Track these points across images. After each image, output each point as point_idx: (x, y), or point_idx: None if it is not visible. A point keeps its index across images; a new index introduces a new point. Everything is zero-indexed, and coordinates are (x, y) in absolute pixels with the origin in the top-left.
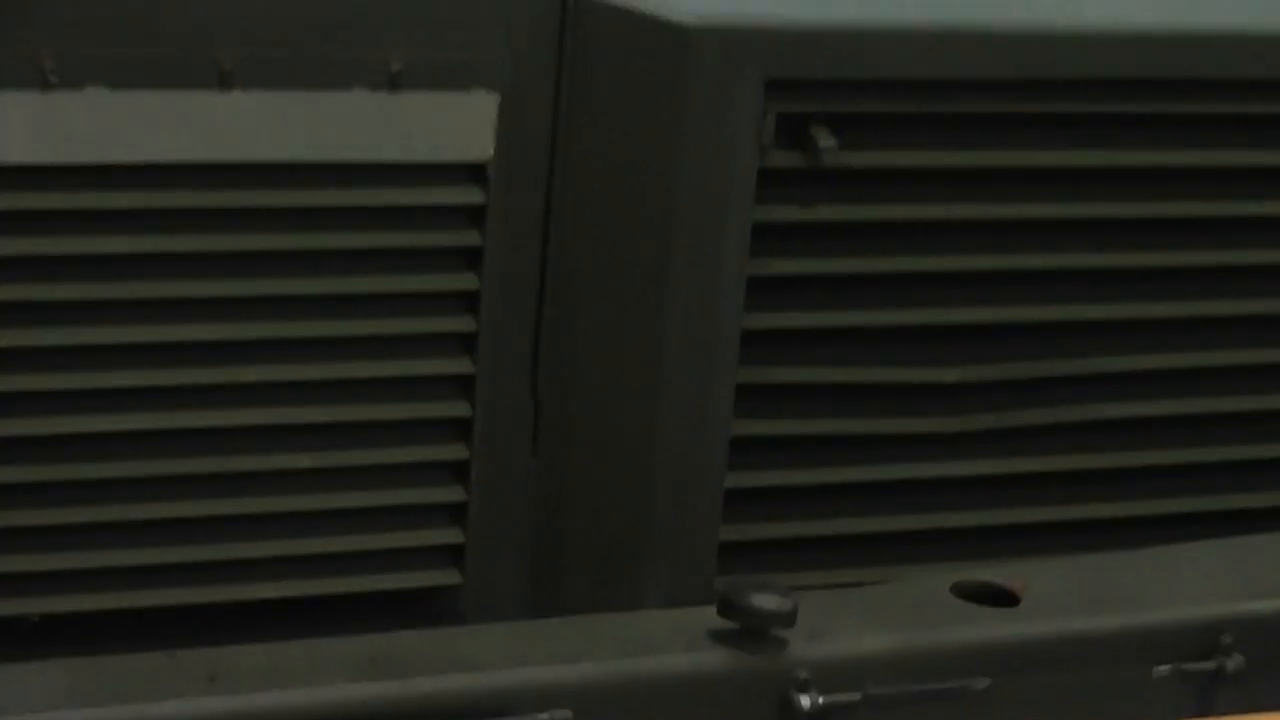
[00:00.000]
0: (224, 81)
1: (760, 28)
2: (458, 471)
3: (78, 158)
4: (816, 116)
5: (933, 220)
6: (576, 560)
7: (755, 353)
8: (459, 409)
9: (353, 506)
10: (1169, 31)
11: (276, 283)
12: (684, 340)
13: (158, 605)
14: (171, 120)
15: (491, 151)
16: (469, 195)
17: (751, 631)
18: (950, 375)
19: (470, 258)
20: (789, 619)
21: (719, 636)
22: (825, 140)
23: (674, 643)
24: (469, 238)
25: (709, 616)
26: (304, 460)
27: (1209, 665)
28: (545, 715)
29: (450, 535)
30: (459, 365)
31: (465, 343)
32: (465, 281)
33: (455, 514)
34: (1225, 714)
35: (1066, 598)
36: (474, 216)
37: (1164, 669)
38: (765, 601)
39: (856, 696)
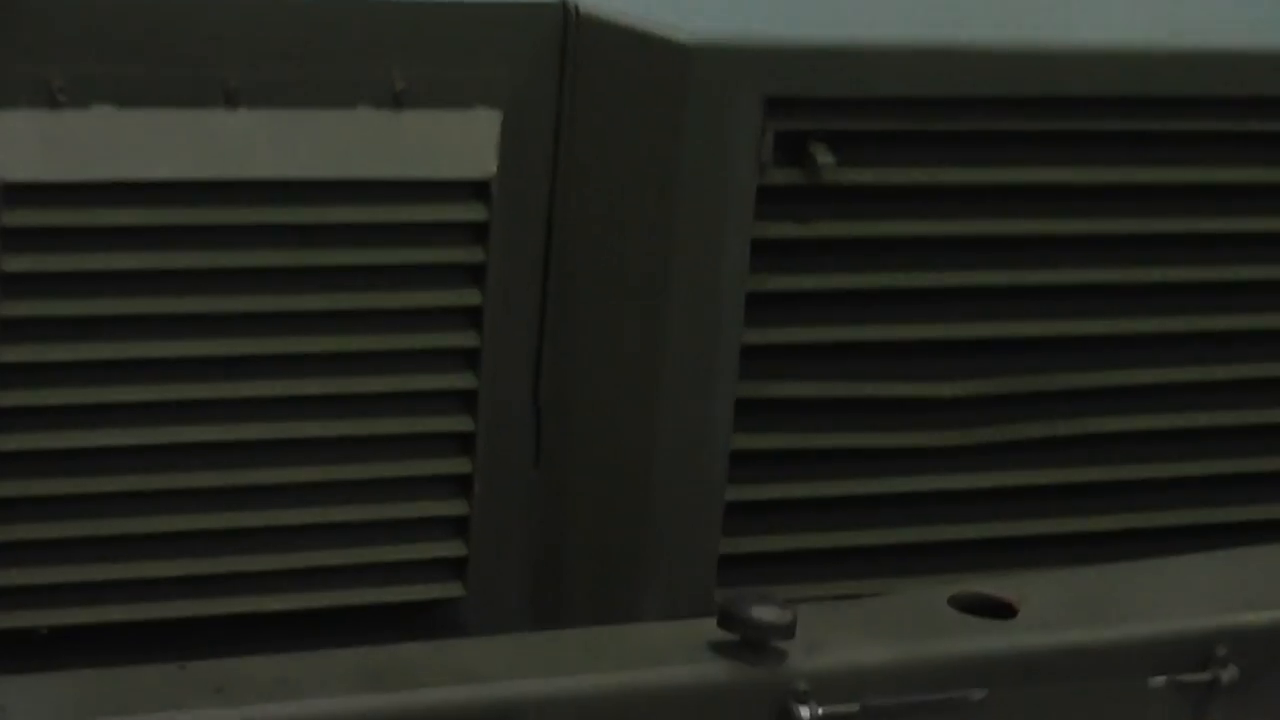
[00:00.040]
0: (230, 100)
1: (759, 47)
2: (460, 485)
3: (86, 175)
4: (815, 134)
5: (930, 236)
6: (578, 572)
7: (755, 367)
8: (462, 423)
9: (357, 520)
10: (1162, 50)
11: (282, 299)
12: (684, 355)
13: (166, 618)
14: (178, 138)
15: (494, 168)
16: (472, 212)
17: (751, 643)
18: (948, 390)
19: (473, 273)
20: (788, 631)
21: (719, 648)
22: (824, 157)
23: (674, 654)
24: (472, 254)
25: (709, 628)
26: (309, 474)
27: (1204, 676)
28: None
29: (453, 548)
30: (462, 380)
31: (468, 357)
32: (468, 297)
33: (458, 527)
34: None
35: (1063, 610)
36: (477, 232)
37: (1159, 680)
38: (765, 614)
39: (855, 707)
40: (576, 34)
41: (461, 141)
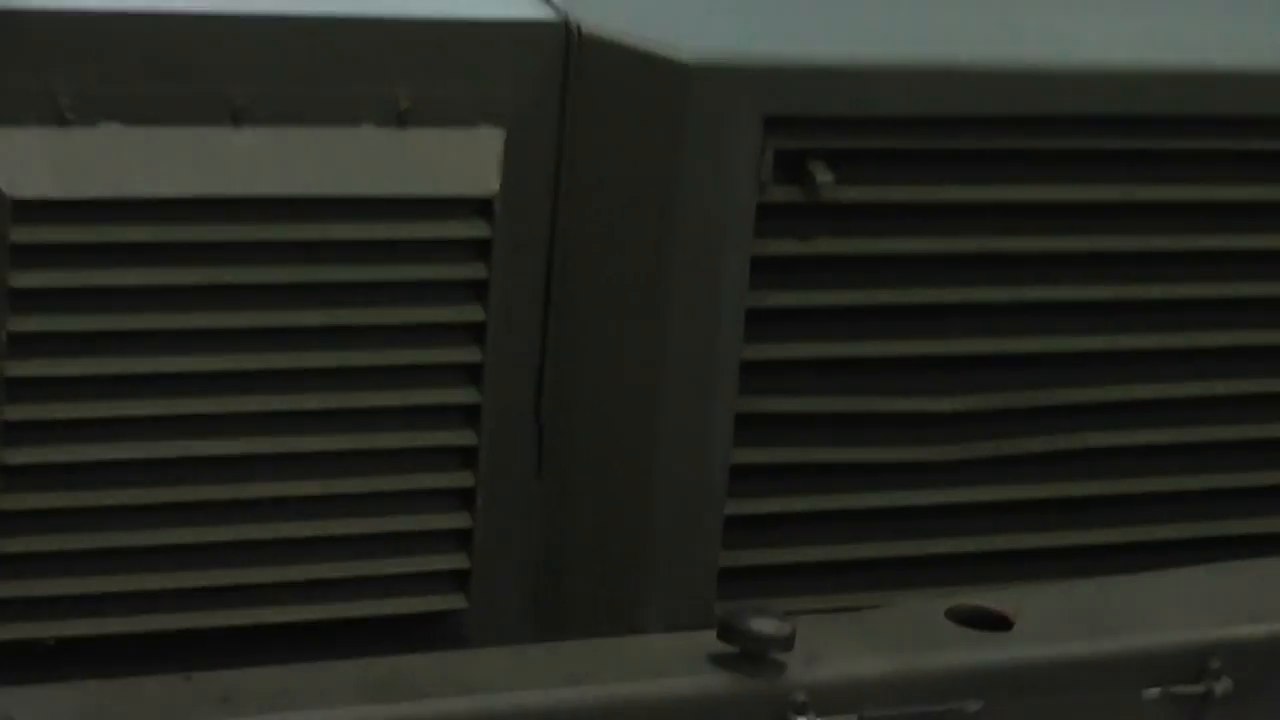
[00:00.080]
0: (236, 118)
1: (759, 66)
2: (463, 499)
3: (93, 192)
4: (814, 152)
5: (928, 253)
6: (579, 585)
7: (754, 382)
8: (465, 437)
9: (361, 533)
10: (1158, 69)
11: (287, 314)
12: (684, 370)
13: (172, 629)
14: (185, 155)
15: (497, 186)
16: (475, 229)
17: (751, 655)
18: (945, 405)
19: (476, 290)
20: (787, 643)
21: (719, 660)
22: (823, 175)
23: (675, 666)
24: (475, 270)
25: (709, 640)
26: (314, 488)
27: (1198, 688)
28: None
29: (456, 561)
30: (465, 395)
31: (471, 373)
32: (471, 313)
33: (461, 540)
34: None
35: (1058, 622)
36: (480, 249)
37: (1154, 692)
38: (764, 626)
39: (853, 718)
40: (578, 53)
41: (465, 159)
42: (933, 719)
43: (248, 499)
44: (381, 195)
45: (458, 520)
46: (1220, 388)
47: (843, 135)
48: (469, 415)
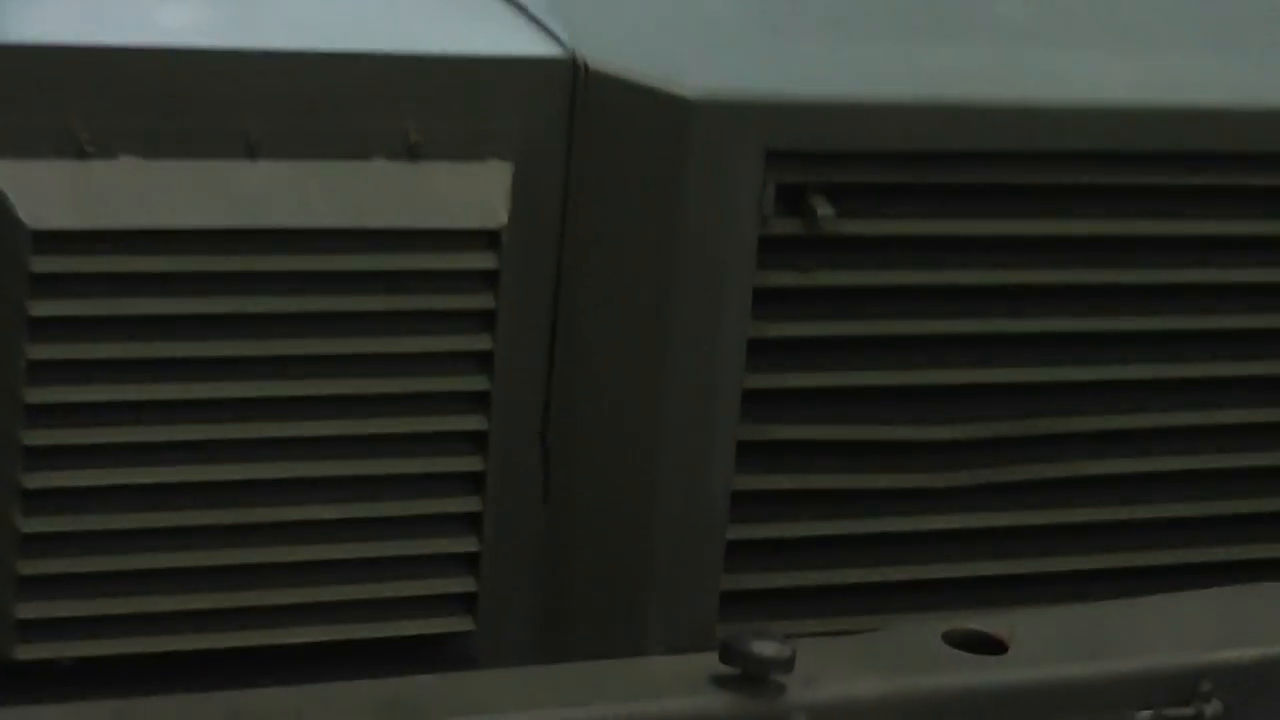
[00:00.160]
0: (251, 151)
1: (760, 102)
2: (471, 523)
3: (111, 223)
4: (815, 186)
5: (926, 285)
6: (584, 608)
7: (755, 411)
8: (473, 463)
9: (371, 556)
10: (1150, 107)
11: (301, 343)
12: (687, 399)
13: (187, 650)
14: (201, 187)
15: (505, 218)
16: (483, 260)
17: (751, 676)
18: (942, 433)
19: (484, 319)
20: (787, 665)
21: (720, 681)
22: (823, 209)
23: (678, 687)
24: (483, 300)
25: (711, 662)
26: (325, 512)
27: (1188, 711)
28: None
29: (464, 584)
30: (473, 422)
31: (479, 400)
32: (479, 342)
33: (468, 563)
34: None
35: (1052, 646)
36: (488, 280)
37: (1146, 714)
38: (764, 648)
39: None
40: (585, 89)
41: (473, 192)
42: None
43: (262, 523)
44: (392, 227)
45: (466, 544)
46: (1213, 417)
47: (843, 170)
48: (477, 442)
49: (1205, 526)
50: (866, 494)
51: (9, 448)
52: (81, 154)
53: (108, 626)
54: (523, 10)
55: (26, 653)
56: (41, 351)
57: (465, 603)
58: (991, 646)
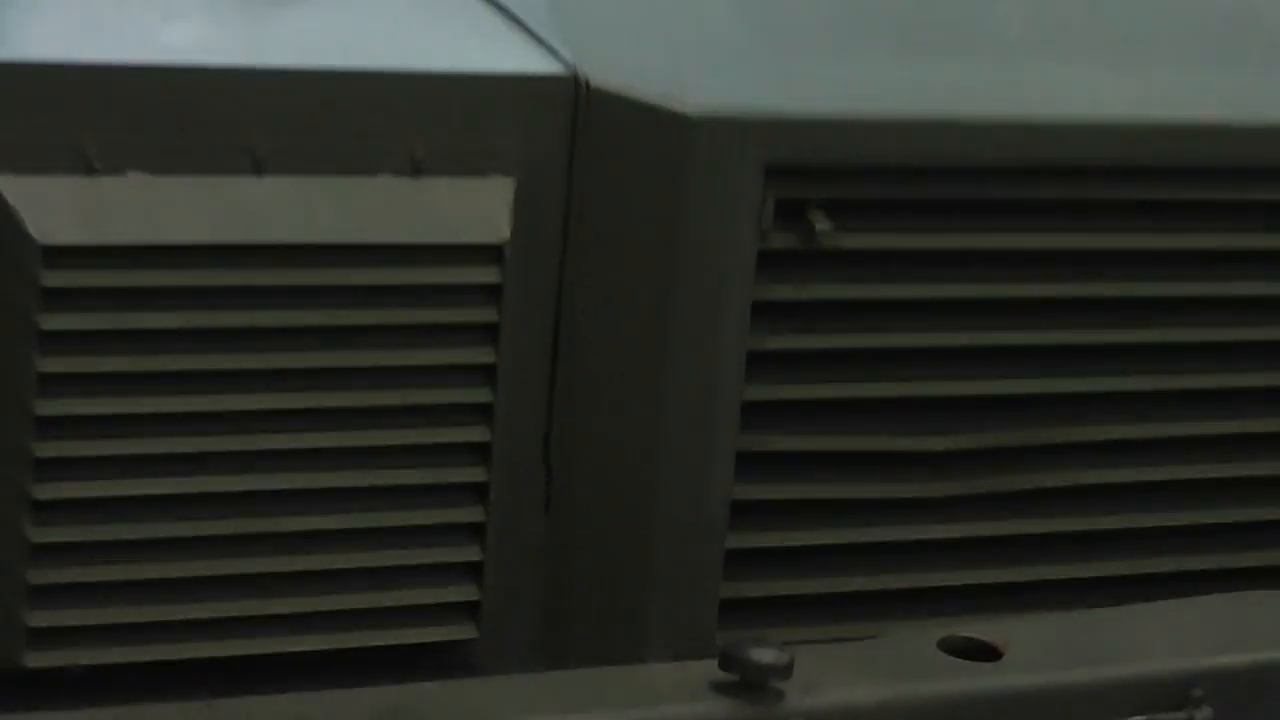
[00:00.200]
0: (257, 167)
1: (760, 118)
2: (474, 533)
3: (120, 238)
4: (813, 201)
5: (922, 299)
6: (585, 616)
7: (754, 422)
8: (476, 474)
9: (377, 565)
10: (1147, 122)
11: (307, 355)
12: (687, 410)
13: (194, 657)
14: (208, 203)
15: (508, 233)
16: (486, 274)
17: (750, 683)
18: (938, 444)
19: (487, 332)
20: (786, 672)
21: (720, 688)
22: (821, 223)
23: (678, 693)
24: (486, 314)
25: (711, 669)
26: (331, 522)
27: (1181, 716)
28: None
29: (467, 592)
30: (476, 433)
31: (482, 412)
32: (482, 355)
33: (472, 572)
34: None
35: (1046, 652)
36: (491, 294)
37: (1138, 719)
38: (763, 655)
39: None
40: (586, 106)
41: (477, 208)
42: None
43: (268, 533)
44: (397, 242)
45: (469, 554)
46: (1206, 428)
47: (841, 185)
48: (480, 453)
49: (1197, 535)
50: (864, 503)
51: (19, 459)
52: (90, 170)
53: (116, 635)
54: (525, 28)
55: (36, 660)
56: (51, 364)
57: (468, 611)
58: (986, 653)
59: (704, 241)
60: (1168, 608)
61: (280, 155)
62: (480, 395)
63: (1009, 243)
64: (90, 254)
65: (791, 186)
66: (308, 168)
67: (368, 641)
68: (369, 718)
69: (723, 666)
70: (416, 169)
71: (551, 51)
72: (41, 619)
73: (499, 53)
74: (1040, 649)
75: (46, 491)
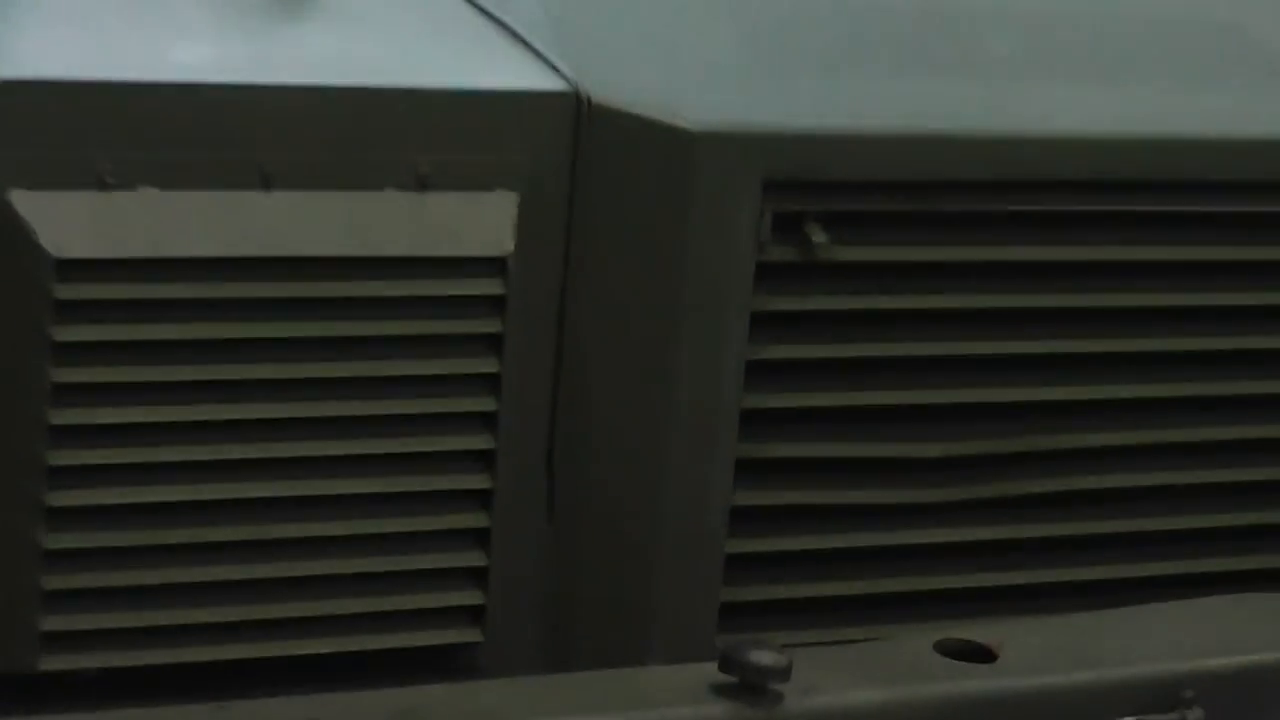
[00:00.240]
0: (266, 182)
1: (758, 133)
2: (479, 539)
3: (132, 252)
4: (810, 214)
5: (917, 309)
6: (587, 620)
7: (754, 430)
8: (481, 481)
9: (384, 570)
10: (1134, 137)
11: (315, 366)
12: (687, 418)
13: (205, 661)
14: (218, 217)
15: (512, 246)
16: (491, 286)
17: (750, 686)
18: (933, 450)
19: (492, 343)
20: (784, 674)
21: (720, 690)
22: (818, 236)
23: (679, 695)
24: (490, 325)
25: (711, 672)
26: (340, 528)
27: (1171, 716)
28: None
29: (472, 597)
30: (481, 441)
31: (487, 421)
32: (487, 365)
33: (477, 577)
34: None
35: (1040, 655)
36: (495, 306)
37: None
38: (762, 658)
39: None
40: (588, 122)
41: (481, 222)
42: None
43: (278, 539)
44: (403, 255)
45: (474, 559)
46: (1197, 434)
47: (838, 198)
48: (485, 460)
49: (1188, 539)
50: (861, 509)
51: (34, 467)
52: (103, 186)
53: (128, 639)
54: (528, 46)
55: (50, 664)
56: (65, 375)
57: (473, 615)
58: (982, 656)
59: (704, 253)
60: (1160, 611)
61: (288, 171)
62: (485, 404)
63: (1001, 254)
64: (103, 267)
65: (789, 200)
66: (315, 183)
67: (375, 645)
68: (379, 718)
69: (722, 669)
70: (422, 184)
71: (554, 69)
72: (55, 623)
73: (503, 70)
74: (1035, 651)
75: (60, 499)
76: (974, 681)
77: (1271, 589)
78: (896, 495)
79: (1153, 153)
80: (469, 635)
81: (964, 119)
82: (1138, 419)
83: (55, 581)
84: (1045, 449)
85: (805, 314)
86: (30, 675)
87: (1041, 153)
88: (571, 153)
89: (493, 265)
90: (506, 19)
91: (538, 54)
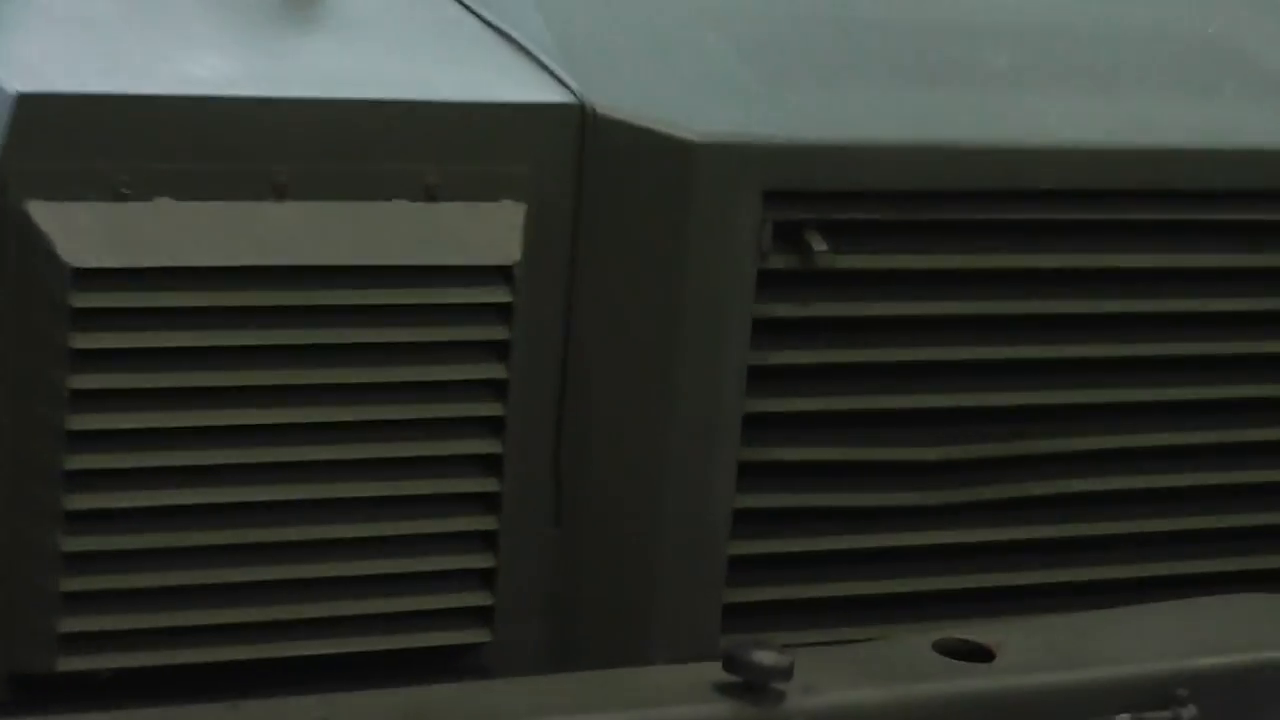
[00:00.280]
0: (278, 193)
1: (758, 144)
2: (487, 541)
3: (148, 261)
4: (810, 223)
5: (915, 315)
6: (594, 621)
7: (756, 433)
8: (489, 485)
9: (395, 572)
10: (1126, 147)
11: (327, 372)
12: (691, 423)
13: (219, 661)
14: (231, 228)
15: (518, 255)
16: (498, 294)
17: (753, 685)
18: (931, 454)
19: (499, 350)
20: (786, 673)
21: (723, 689)
22: (818, 245)
23: (683, 694)
24: (497, 332)
25: (714, 671)
26: (351, 530)
27: (1165, 715)
28: None
29: (480, 598)
30: (489, 446)
31: (494, 425)
32: (494, 371)
33: (485, 579)
34: None
35: (1037, 654)
36: (502, 313)
37: (1125, 717)
38: (765, 658)
39: None
40: (593, 133)
41: (488, 231)
42: None
43: (291, 541)
44: (412, 264)
45: (482, 561)
46: (1188, 438)
47: (837, 208)
48: (492, 464)
49: (1182, 541)
50: (861, 511)
51: (51, 472)
52: (119, 197)
53: (143, 640)
54: (534, 59)
55: (68, 665)
56: (82, 381)
57: (481, 616)
58: (979, 655)
59: (706, 262)
60: (1154, 611)
61: (300, 182)
62: (492, 409)
63: (997, 262)
64: (119, 276)
65: (789, 209)
66: (326, 194)
67: (386, 645)
68: (390, 716)
69: (726, 668)
70: (430, 194)
71: (559, 81)
72: (72, 625)
73: (509, 83)
74: (1032, 650)
75: (77, 503)
76: (972, 680)
77: (1262, 589)
78: (895, 498)
79: (1145, 162)
80: (477, 635)
81: (961, 130)
82: (1131, 423)
83: (72, 584)
84: (1041, 452)
85: (806, 320)
86: (48, 675)
87: (1036, 163)
88: (576, 163)
89: (499, 273)
90: (512, 33)
91: (543, 67)
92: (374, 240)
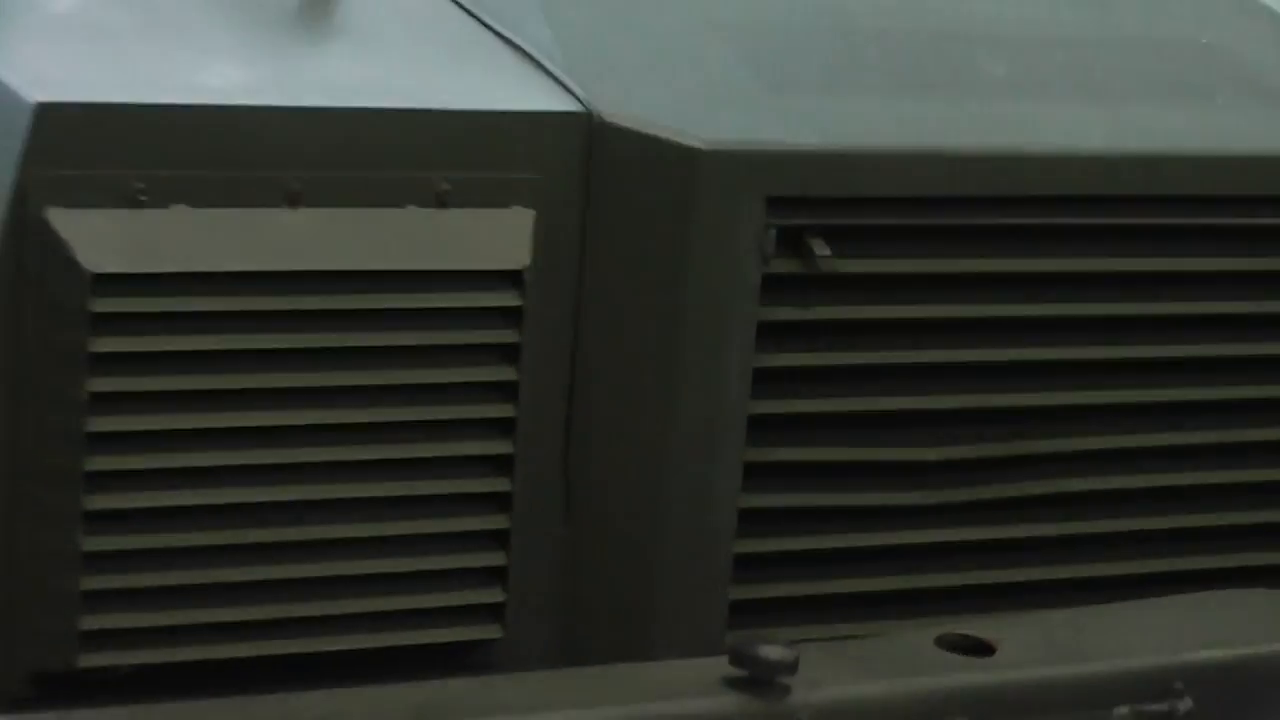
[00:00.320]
0: (292, 200)
1: (762, 151)
2: (498, 539)
3: (165, 267)
4: (813, 228)
5: (916, 318)
6: (602, 617)
7: (760, 434)
8: (500, 485)
9: (407, 570)
10: (1122, 153)
11: (340, 375)
12: (696, 424)
13: (235, 657)
14: (246, 234)
15: (528, 260)
16: (507, 298)
17: (758, 679)
18: (932, 454)
19: (509, 353)
20: (792, 668)
21: (730, 683)
22: (821, 249)
23: (690, 688)
24: (507, 336)
25: (721, 666)
26: (366, 529)
27: (1162, 707)
28: None
29: (492, 595)
30: (500, 446)
31: (504, 427)
32: (504, 374)
33: (496, 576)
34: None
35: (1037, 649)
36: (512, 317)
37: (1123, 710)
38: (771, 653)
39: None
40: (600, 141)
41: (498, 236)
42: None
43: (306, 540)
44: (423, 269)
45: (493, 559)
46: (1184, 438)
47: (839, 213)
48: (503, 465)
49: (1178, 538)
50: (864, 510)
51: (71, 473)
52: (136, 204)
53: (162, 637)
54: (541, 68)
55: (88, 661)
56: (100, 384)
57: (493, 612)
58: (980, 650)
59: (711, 266)
60: (1151, 606)
61: (313, 189)
62: (503, 411)
63: (995, 266)
64: (136, 281)
65: (792, 215)
66: (339, 201)
67: (398, 641)
68: (400, 713)
69: (732, 663)
70: (441, 201)
71: (566, 90)
72: (92, 622)
73: (517, 92)
74: (1031, 645)
75: (96, 503)
76: (973, 674)
77: (1258, 585)
78: (897, 497)
79: (1142, 168)
80: (489, 632)
81: (960, 137)
82: (1128, 423)
83: (93, 582)
84: (1040, 452)
85: (809, 324)
86: (69, 672)
87: (1035, 169)
88: (584, 170)
89: (509, 278)
90: (520, 42)
91: (550, 76)
92: (386, 246)
